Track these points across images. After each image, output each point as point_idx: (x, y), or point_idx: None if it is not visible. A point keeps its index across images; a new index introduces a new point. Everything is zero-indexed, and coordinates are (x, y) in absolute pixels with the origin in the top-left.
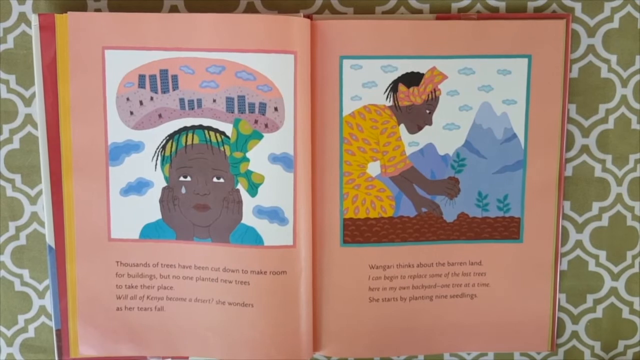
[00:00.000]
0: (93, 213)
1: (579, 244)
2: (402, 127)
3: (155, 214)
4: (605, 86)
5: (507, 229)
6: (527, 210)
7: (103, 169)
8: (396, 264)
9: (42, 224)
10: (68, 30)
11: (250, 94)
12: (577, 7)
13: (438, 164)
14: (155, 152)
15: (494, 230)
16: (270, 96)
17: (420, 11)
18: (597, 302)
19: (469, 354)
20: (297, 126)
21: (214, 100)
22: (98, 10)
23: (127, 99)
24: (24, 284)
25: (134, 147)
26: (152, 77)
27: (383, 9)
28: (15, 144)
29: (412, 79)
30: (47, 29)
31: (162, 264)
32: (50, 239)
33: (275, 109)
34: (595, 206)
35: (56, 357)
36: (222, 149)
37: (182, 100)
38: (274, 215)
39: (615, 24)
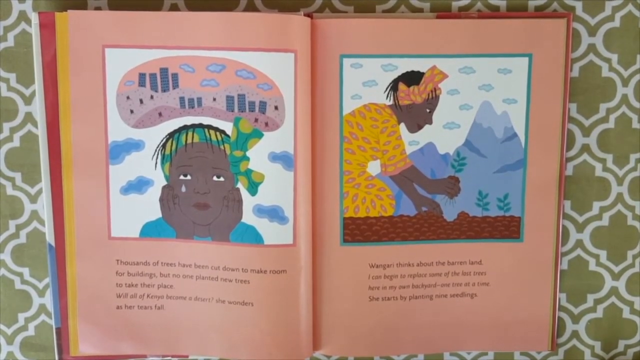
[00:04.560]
0: (93, 211)
1: (579, 244)
2: (402, 126)
3: (156, 213)
4: (606, 85)
5: (507, 228)
6: (527, 210)
7: (103, 168)
8: (396, 263)
9: (42, 222)
10: (68, 29)
11: (250, 93)
12: (578, 6)
13: (438, 163)
14: (156, 150)
15: (494, 229)
16: (270, 95)
17: (420, 10)
18: (597, 301)
19: (469, 353)
20: (297, 125)
21: (214, 99)
22: (98, 8)
23: (128, 98)
24: (24, 282)
25: (134, 145)
26: (153, 76)
27: (383, 8)
28: (16, 143)
29: (412, 78)
30: (47, 27)
31: (162, 263)
32: (50, 238)
33: (276, 107)
34: (596, 206)
35: (56, 356)
36: (222, 147)
37: (182, 99)
38: (274, 214)
39: (616, 23)
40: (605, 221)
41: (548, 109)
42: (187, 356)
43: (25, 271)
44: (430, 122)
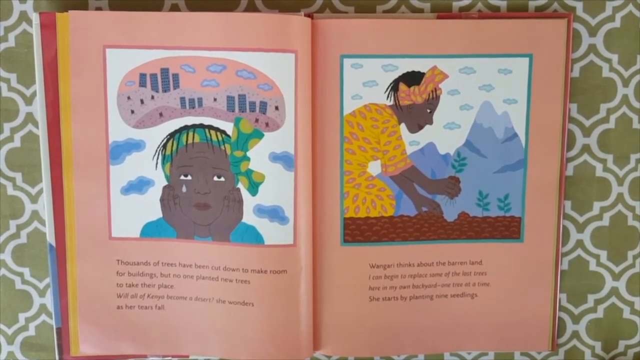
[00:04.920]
0: (94, 212)
1: (579, 244)
2: (403, 126)
3: (156, 213)
4: (607, 85)
5: (507, 228)
6: (527, 210)
7: (104, 168)
8: (396, 263)
9: (42, 222)
10: (69, 29)
11: (250, 93)
12: (579, 6)
13: (439, 163)
14: (156, 150)
15: (494, 229)
16: (270, 95)
17: (421, 10)
18: (597, 302)
19: (469, 353)
20: (298, 125)
21: (215, 99)
22: (99, 9)
23: (128, 98)
24: (24, 282)
25: (134, 145)
26: (153, 76)
27: (384, 8)
28: (16, 143)
29: (412, 78)
30: (48, 28)
31: (162, 263)
32: (50, 238)
33: (276, 107)
34: (596, 206)
35: (57, 356)
36: (222, 147)
37: (182, 99)
38: (274, 214)
39: (616, 24)
40: (605, 221)
41: (548, 109)
42: (187, 356)
43: (26, 271)
44: (431, 123)
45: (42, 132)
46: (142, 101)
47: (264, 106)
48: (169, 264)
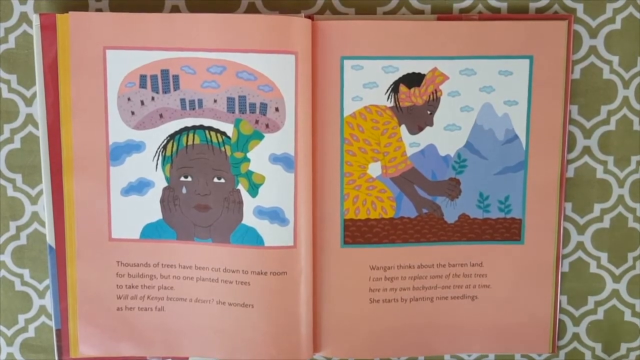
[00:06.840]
0: (94, 213)
1: (580, 246)
2: (403, 127)
3: (156, 214)
4: (607, 87)
5: (508, 230)
6: (528, 212)
7: (104, 169)
8: (397, 265)
9: (42, 223)
10: (69, 30)
11: (251, 94)
12: (579, 8)
13: (439, 165)
14: (156, 152)
15: (495, 231)
16: (271, 96)
17: (421, 12)
18: (598, 304)
19: (469, 355)
20: (298, 126)
21: (215, 101)
22: (99, 10)
23: (128, 99)
24: (24, 283)
25: (135, 147)
26: (154, 77)
27: (384, 10)
28: (16, 144)
29: (413, 80)
30: (49, 29)
31: (162, 264)
32: (50, 239)
33: (276, 109)
34: (597, 208)
35: (56, 357)
36: (222, 149)
37: (183, 101)
38: (274, 215)
39: (617, 25)
40: (606, 223)
41: (549, 111)
42: (187, 358)
43: (26, 272)
44: (431, 124)
45: (42, 134)
46: (142, 102)
47: (264, 107)
48: (169, 265)
